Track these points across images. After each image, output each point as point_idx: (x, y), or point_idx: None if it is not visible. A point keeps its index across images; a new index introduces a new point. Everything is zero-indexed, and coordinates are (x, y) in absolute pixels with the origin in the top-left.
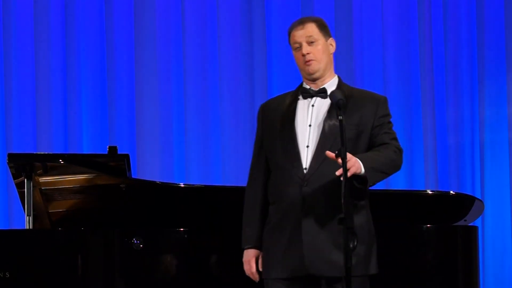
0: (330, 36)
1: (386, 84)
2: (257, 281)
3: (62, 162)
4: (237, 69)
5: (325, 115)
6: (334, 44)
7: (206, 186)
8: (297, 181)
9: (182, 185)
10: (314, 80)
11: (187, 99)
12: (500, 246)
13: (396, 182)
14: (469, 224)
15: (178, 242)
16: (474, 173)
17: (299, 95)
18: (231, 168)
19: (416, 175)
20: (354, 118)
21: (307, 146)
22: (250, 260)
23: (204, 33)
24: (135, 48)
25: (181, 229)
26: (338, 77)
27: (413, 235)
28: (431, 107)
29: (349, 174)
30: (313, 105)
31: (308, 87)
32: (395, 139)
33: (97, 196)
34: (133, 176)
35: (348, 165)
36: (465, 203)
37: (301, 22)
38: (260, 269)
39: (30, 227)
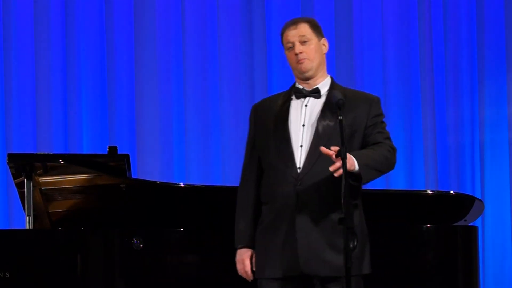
0: (323, 37)
1: (386, 84)
2: (250, 281)
3: (62, 162)
4: (237, 69)
5: (319, 115)
6: (326, 44)
7: (206, 186)
8: (291, 180)
9: (182, 185)
10: (306, 80)
11: (187, 99)
12: (500, 246)
13: (396, 182)
14: (469, 224)
15: (178, 242)
16: (474, 173)
17: (292, 95)
18: (231, 168)
19: (416, 175)
20: (347, 118)
21: (301, 146)
22: (244, 259)
23: (204, 33)
24: (135, 48)
25: (181, 229)
26: (331, 77)
27: (413, 235)
28: (431, 107)
29: (337, 174)
30: (306, 105)
31: (301, 87)
32: (389, 138)
33: (97, 196)
34: (133, 176)
35: (335, 168)
36: (465, 203)
37: (294, 22)
38: (254, 268)
39: (30, 227)
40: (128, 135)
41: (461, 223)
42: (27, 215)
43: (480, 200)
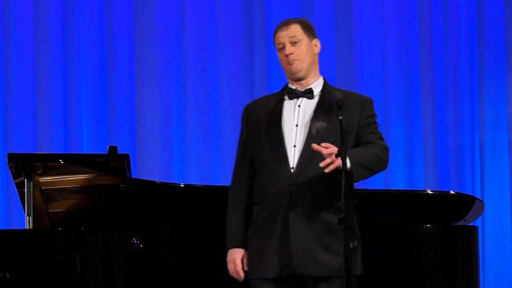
0: (315, 37)
1: (386, 84)
2: (241, 281)
3: (62, 162)
4: (237, 69)
5: (312, 115)
6: (319, 45)
7: (206, 186)
8: (284, 180)
9: (182, 185)
10: (298, 80)
11: (187, 99)
12: (500, 246)
13: (396, 182)
14: (469, 224)
15: (178, 242)
16: (474, 173)
17: (284, 96)
18: (231, 168)
19: (416, 175)
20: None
21: (294, 146)
22: (235, 259)
23: (204, 33)
24: (135, 48)
25: (181, 229)
26: (323, 78)
27: (413, 235)
28: (431, 107)
29: (333, 166)
30: (299, 106)
31: (294, 87)
32: (381, 138)
33: (97, 196)
34: (133, 176)
35: (333, 157)
36: (465, 203)
37: (286, 23)
38: (245, 268)
39: (30, 227)
40: (128, 135)
41: (461, 223)
42: (27, 215)
43: (480, 200)
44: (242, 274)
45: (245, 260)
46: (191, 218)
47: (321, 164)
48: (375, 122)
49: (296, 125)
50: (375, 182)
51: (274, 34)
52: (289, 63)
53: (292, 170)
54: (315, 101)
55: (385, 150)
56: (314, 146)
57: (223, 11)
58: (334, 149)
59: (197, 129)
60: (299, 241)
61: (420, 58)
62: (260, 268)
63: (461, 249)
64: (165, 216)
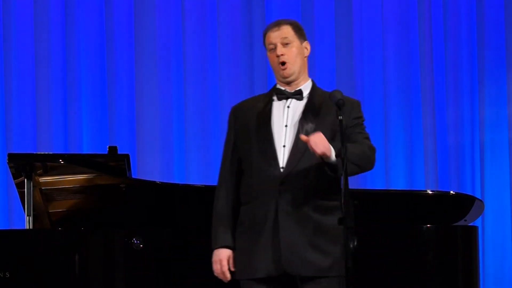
0: (305, 40)
1: (386, 84)
2: (226, 282)
3: (62, 162)
4: (237, 69)
5: (301, 116)
6: (309, 47)
7: (206, 186)
8: (274, 180)
9: (182, 185)
10: (288, 83)
11: (187, 99)
12: (500, 246)
13: (396, 182)
14: (469, 224)
15: (178, 242)
16: (474, 173)
17: (273, 97)
18: None
19: (416, 175)
20: (328, 119)
21: (284, 146)
22: (222, 260)
23: (204, 33)
24: (135, 48)
25: (181, 229)
26: (312, 80)
27: (413, 235)
28: (431, 107)
29: (318, 151)
30: (288, 106)
31: (283, 88)
32: (368, 139)
33: (97, 196)
34: (133, 176)
35: (314, 144)
36: (465, 203)
37: (277, 24)
38: (232, 269)
39: (30, 227)
40: (128, 135)
41: (461, 223)
42: (27, 215)
43: (480, 200)
44: (228, 274)
45: (231, 261)
46: (191, 218)
47: (303, 138)
48: (362, 124)
49: (286, 126)
50: (375, 182)
51: (265, 34)
52: (281, 67)
53: (281, 170)
54: (303, 102)
55: (372, 149)
56: (302, 137)
57: (223, 11)
58: (319, 135)
59: (197, 129)
60: (289, 241)
61: (420, 58)
62: (249, 268)
63: (461, 249)
64: (165, 216)
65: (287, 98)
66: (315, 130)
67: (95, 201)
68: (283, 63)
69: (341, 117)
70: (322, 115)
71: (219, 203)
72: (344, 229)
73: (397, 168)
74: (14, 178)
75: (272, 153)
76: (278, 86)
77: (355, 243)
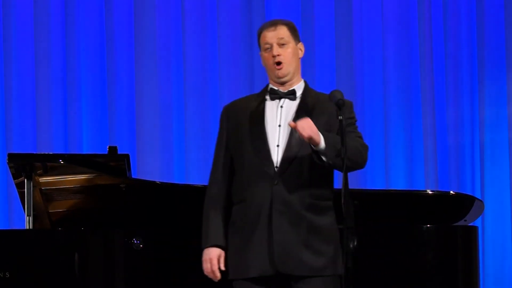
0: (299, 41)
1: (386, 84)
2: (216, 281)
3: (62, 162)
4: (237, 69)
5: (294, 116)
6: (303, 48)
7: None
8: (267, 179)
9: (182, 185)
10: (282, 84)
11: (187, 99)
12: (500, 246)
13: (396, 182)
14: (469, 224)
15: (178, 242)
16: (474, 173)
17: (266, 96)
18: None
19: (416, 175)
20: (321, 119)
21: (277, 146)
22: (212, 259)
23: (204, 33)
24: (135, 48)
25: (181, 229)
26: (305, 81)
27: (413, 235)
28: (431, 107)
29: (306, 135)
30: (281, 106)
31: (276, 88)
32: (361, 137)
33: (97, 196)
34: (133, 176)
35: (302, 128)
36: (465, 203)
37: (273, 23)
38: (222, 268)
39: (30, 227)
40: (128, 135)
41: (461, 223)
42: (27, 215)
43: (480, 200)
44: (218, 274)
45: (221, 260)
46: (191, 218)
47: (291, 124)
48: (354, 124)
49: (279, 126)
50: (375, 182)
51: (260, 33)
52: (277, 67)
53: (275, 169)
54: (296, 102)
55: (365, 147)
56: (290, 122)
57: (223, 11)
58: (307, 120)
59: (197, 129)
60: (282, 241)
61: (420, 58)
62: (242, 268)
63: (461, 249)
64: (165, 216)
65: (280, 98)
66: None
67: (95, 201)
68: (279, 63)
69: (341, 117)
70: (315, 115)
71: (209, 202)
72: (344, 229)
73: (397, 168)
74: (14, 178)
75: (266, 153)
76: (271, 86)
77: (355, 243)
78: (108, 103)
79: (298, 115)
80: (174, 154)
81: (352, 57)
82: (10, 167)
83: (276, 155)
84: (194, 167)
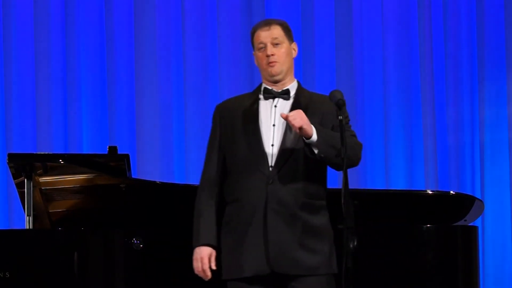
0: (293, 41)
1: (386, 84)
2: (207, 280)
3: (62, 162)
4: (237, 69)
5: None
6: (296, 48)
7: None
8: (262, 179)
9: (182, 185)
10: (275, 82)
11: (187, 99)
12: (500, 246)
13: (396, 182)
14: (469, 224)
15: (178, 242)
16: (474, 173)
17: (260, 95)
18: None
19: (416, 175)
20: (315, 119)
21: (272, 145)
22: (203, 258)
23: (204, 33)
24: (135, 48)
25: (181, 229)
26: (298, 81)
27: (413, 235)
28: (431, 107)
29: (297, 124)
30: (275, 106)
31: (270, 87)
32: (355, 136)
33: (97, 196)
34: (133, 176)
35: (293, 118)
36: (465, 203)
37: (267, 23)
38: (213, 267)
39: (30, 227)
40: (128, 135)
41: (461, 223)
42: (27, 215)
43: (480, 200)
44: (209, 273)
45: (212, 259)
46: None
47: (282, 115)
48: (348, 123)
49: (273, 125)
50: (375, 182)
51: (254, 32)
52: (270, 65)
53: (270, 169)
54: (290, 102)
55: (359, 145)
56: (282, 114)
57: (223, 11)
58: (297, 110)
59: (197, 129)
60: (277, 240)
61: (420, 58)
62: (236, 267)
63: (461, 249)
64: (165, 216)
65: (274, 98)
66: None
67: (95, 201)
68: (272, 62)
69: (341, 117)
70: (309, 115)
71: (201, 200)
72: (344, 229)
73: (397, 168)
74: (14, 178)
75: (261, 152)
76: (265, 85)
77: (355, 243)
78: (108, 103)
79: None
80: (174, 154)
81: (352, 57)
82: (10, 167)
83: (271, 154)
84: (194, 167)
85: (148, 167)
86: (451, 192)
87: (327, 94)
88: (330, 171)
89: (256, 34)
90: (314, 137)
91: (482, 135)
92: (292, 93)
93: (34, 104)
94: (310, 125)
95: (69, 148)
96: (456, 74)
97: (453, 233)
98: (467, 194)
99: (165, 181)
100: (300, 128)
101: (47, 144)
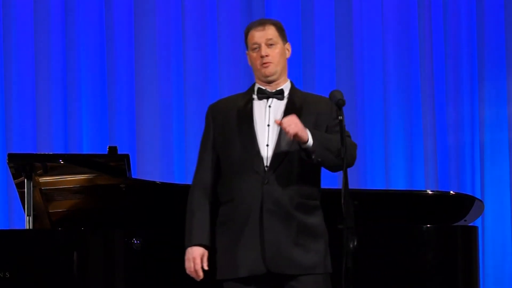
0: (287, 41)
1: (386, 84)
2: (199, 280)
3: (62, 162)
4: (237, 69)
5: (282, 116)
6: (290, 49)
7: None
8: (257, 179)
9: (182, 185)
10: (269, 83)
11: (187, 99)
12: (500, 246)
13: (396, 182)
14: (469, 224)
15: (178, 242)
16: (474, 173)
17: (253, 95)
18: None
19: (416, 175)
20: (310, 119)
21: (267, 145)
22: (195, 258)
23: (204, 33)
24: (135, 48)
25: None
26: (291, 82)
27: (413, 235)
28: (431, 107)
29: (292, 131)
30: (270, 106)
31: (263, 88)
32: (349, 136)
33: (97, 196)
34: (133, 176)
35: (288, 125)
36: (465, 203)
37: (261, 23)
38: (206, 268)
39: (30, 227)
40: (128, 135)
41: (461, 223)
42: (27, 215)
43: (480, 200)
44: (201, 273)
45: (204, 259)
46: None
47: (276, 121)
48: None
49: (268, 125)
50: (375, 182)
51: (247, 32)
52: (264, 65)
53: (266, 169)
54: (284, 102)
55: (353, 145)
56: (276, 120)
57: (223, 11)
58: (292, 115)
59: (197, 129)
60: (273, 240)
61: (420, 58)
62: (232, 268)
63: (461, 249)
64: (165, 216)
65: (268, 98)
66: None
67: (95, 201)
68: (266, 63)
69: (341, 117)
70: (304, 115)
71: (194, 201)
72: (344, 229)
73: (397, 168)
74: (14, 178)
75: (256, 153)
76: (259, 85)
77: (355, 243)
78: (108, 103)
79: (286, 114)
80: (174, 154)
81: (352, 57)
82: (10, 167)
83: (266, 155)
84: (194, 167)
85: (148, 167)
86: (451, 192)
87: (327, 94)
88: (327, 171)
89: (250, 34)
90: (310, 142)
91: (482, 135)
92: (286, 93)
93: (34, 104)
94: (304, 130)
95: (69, 148)
96: (456, 74)
97: (453, 233)
98: (467, 194)
99: (165, 181)
100: (295, 135)
101: (47, 144)
